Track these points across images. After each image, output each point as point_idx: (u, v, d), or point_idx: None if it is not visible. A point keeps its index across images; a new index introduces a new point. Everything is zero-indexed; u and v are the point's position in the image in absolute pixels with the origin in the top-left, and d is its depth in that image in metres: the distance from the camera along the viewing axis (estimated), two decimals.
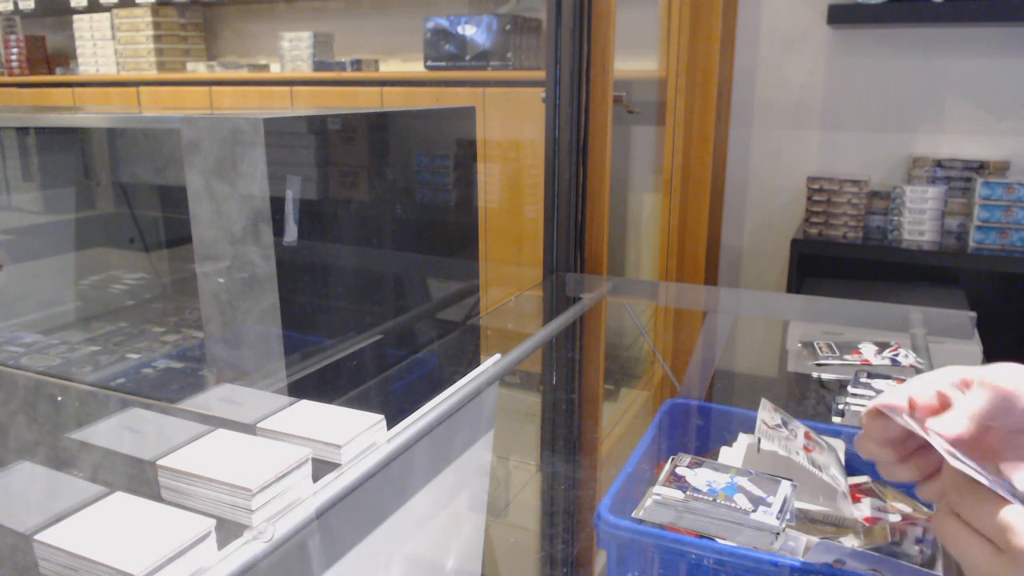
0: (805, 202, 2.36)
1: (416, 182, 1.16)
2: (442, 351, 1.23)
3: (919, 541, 0.91)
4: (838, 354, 1.09)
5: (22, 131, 1.32)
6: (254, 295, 0.90)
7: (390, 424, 0.72)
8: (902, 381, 0.94)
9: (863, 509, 1.03)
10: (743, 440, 1.18)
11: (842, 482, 1.01)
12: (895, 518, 0.99)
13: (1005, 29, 2.23)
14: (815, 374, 1.05)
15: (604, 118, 1.44)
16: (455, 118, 1.26)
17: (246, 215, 0.88)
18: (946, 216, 2.24)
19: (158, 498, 0.59)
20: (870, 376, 0.95)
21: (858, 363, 1.06)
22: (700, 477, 0.79)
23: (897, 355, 1.09)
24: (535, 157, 2.45)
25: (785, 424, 1.06)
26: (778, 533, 0.72)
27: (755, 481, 0.80)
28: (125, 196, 1.40)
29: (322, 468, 0.64)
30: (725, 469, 0.82)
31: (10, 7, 3.90)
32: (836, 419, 0.91)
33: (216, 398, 0.84)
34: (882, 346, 1.11)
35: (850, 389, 0.92)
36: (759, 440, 1.00)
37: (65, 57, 3.98)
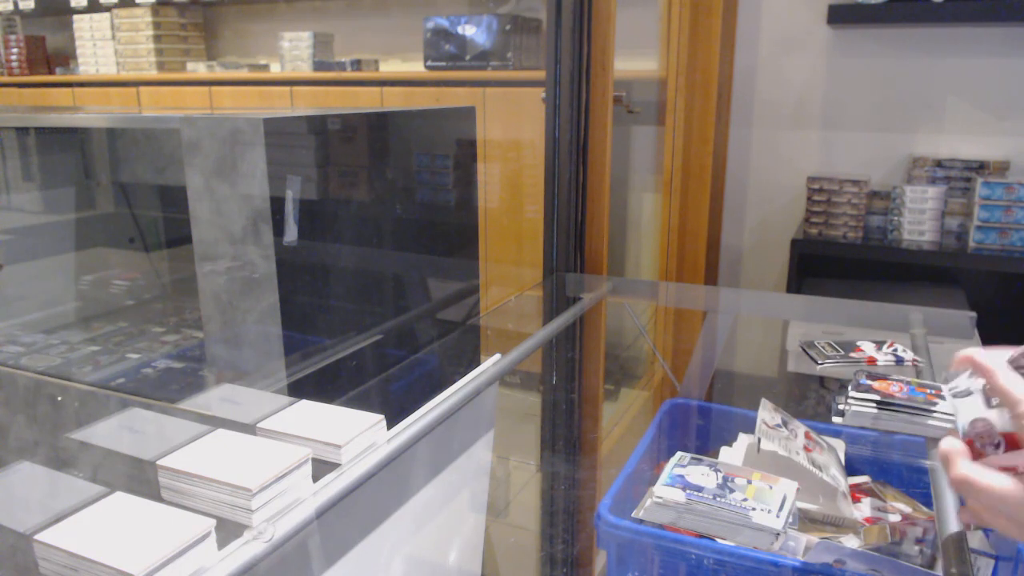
0: (805, 202, 2.36)
1: (416, 182, 1.16)
2: (442, 351, 1.23)
3: (919, 541, 0.91)
4: (843, 352, 1.09)
5: (22, 131, 1.32)
6: (254, 295, 0.90)
7: (390, 424, 0.72)
8: (903, 382, 0.94)
9: (863, 509, 1.03)
10: (743, 440, 1.18)
11: (842, 482, 1.01)
12: (895, 518, 0.99)
13: (1005, 29, 2.23)
14: (818, 372, 1.05)
15: (604, 118, 1.44)
16: (455, 118, 1.26)
17: (246, 215, 0.88)
18: (946, 216, 2.24)
19: (158, 498, 0.59)
20: (870, 376, 0.95)
21: (862, 360, 1.06)
22: (700, 476, 0.79)
23: (896, 350, 1.09)
24: (535, 157, 2.45)
25: (785, 424, 1.06)
26: (778, 533, 0.72)
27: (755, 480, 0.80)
28: (125, 196, 1.40)
29: (322, 468, 0.64)
30: (725, 468, 0.82)
31: (10, 7, 3.90)
32: (836, 419, 0.91)
33: (216, 398, 0.84)
34: (879, 343, 1.11)
35: (850, 389, 0.91)
36: (759, 440, 1.00)
37: (65, 57, 3.98)
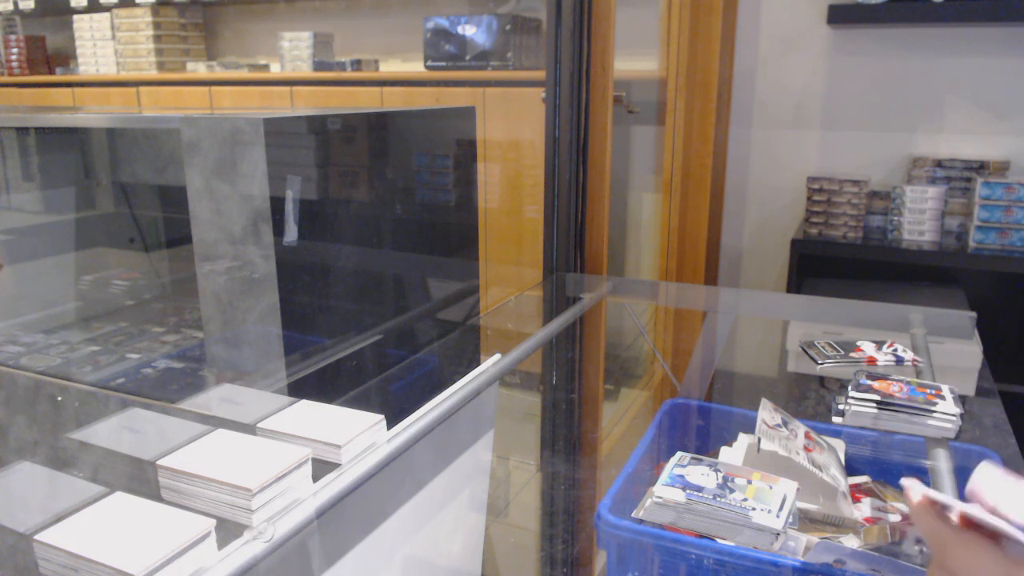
0: (805, 202, 2.36)
1: (416, 182, 1.16)
2: (442, 351, 1.23)
3: (919, 541, 0.91)
4: (843, 352, 1.09)
5: (22, 131, 1.32)
6: (254, 295, 0.90)
7: (390, 424, 0.72)
8: (903, 382, 0.94)
9: (863, 509, 1.03)
10: (743, 440, 1.18)
11: (842, 482, 1.01)
12: (895, 518, 0.99)
13: (1005, 29, 2.23)
14: (818, 372, 1.05)
15: (604, 118, 1.44)
16: (455, 118, 1.26)
17: (246, 215, 0.88)
18: (946, 216, 2.24)
19: (158, 498, 0.59)
20: (870, 376, 0.95)
21: (862, 360, 1.06)
22: (700, 476, 0.79)
23: (896, 350, 1.09)
24: (535, 157, 2.45)
25: (785, 424, 1.06)
26: (778, 533, 0.72)
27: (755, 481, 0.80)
28: (125, 196, 1.40)
29: (322, 468, 0.64)
30: (725, 468, 0.82)
31: (10, 7, 3.90)
32: (836, 419, 0.91)
33: (216, 398, 0.84)
34: (879, 343, 1.11)
35: (850, 389, 0.91)
36: (759, 440, 1.00)
37: (65, 57, 3.98)
